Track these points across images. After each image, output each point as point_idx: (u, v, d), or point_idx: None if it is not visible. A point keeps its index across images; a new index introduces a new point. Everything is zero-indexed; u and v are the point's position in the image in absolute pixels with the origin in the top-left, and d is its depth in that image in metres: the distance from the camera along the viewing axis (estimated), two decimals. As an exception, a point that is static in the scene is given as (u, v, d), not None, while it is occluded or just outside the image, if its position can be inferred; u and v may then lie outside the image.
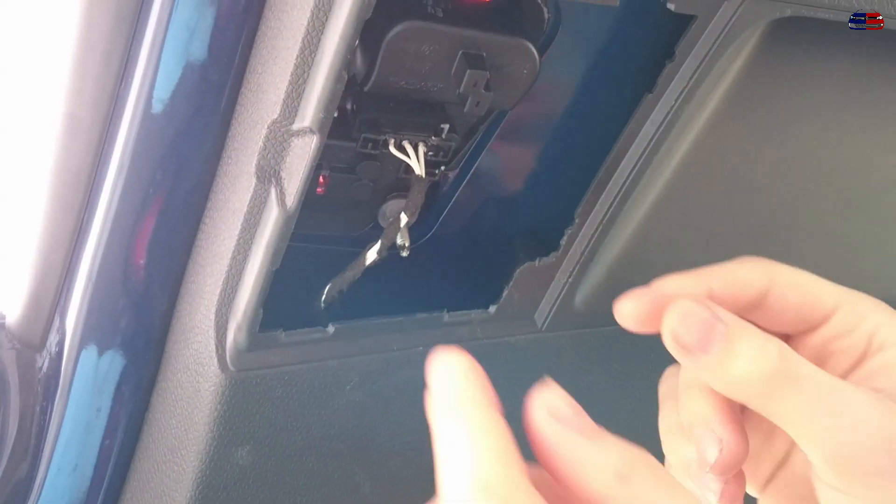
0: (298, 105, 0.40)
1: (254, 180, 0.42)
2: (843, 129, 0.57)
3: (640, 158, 0.49)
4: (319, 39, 0.39)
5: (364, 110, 0.44)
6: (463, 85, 0.44)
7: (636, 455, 0.28)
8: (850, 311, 0.38)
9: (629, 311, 0.36)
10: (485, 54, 0.43)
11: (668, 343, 0.36)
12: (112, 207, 0.44)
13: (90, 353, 0.49)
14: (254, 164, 0.42)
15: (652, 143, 0.48)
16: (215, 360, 0.46)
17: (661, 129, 0.48)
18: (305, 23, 0.38)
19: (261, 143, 0.42)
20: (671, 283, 0.37)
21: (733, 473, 0.36)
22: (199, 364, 0.47)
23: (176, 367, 0.49)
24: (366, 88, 0.43)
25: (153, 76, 0.41)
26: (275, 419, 0.49)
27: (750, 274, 0.38)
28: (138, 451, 0.54)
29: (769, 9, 0.45)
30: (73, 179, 0.45)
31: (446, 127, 0.46)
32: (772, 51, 0.50)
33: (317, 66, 0.39)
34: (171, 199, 0.45)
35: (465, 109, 0.45)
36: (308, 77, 0.40)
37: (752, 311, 0.38)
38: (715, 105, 0.50)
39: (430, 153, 0.46)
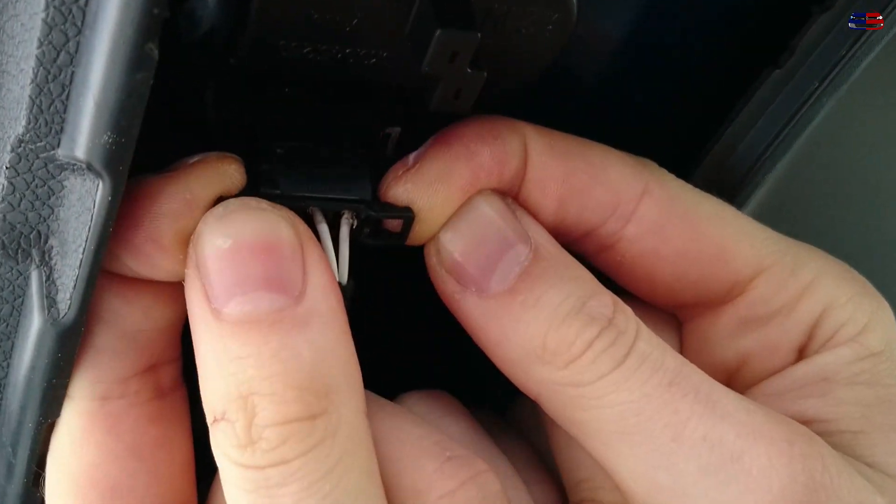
0: (64, 114, 0.18)
1: (-5, 252, 0.21)
2: None
3: (760, 156, 0.28)
4: (93, -31, 0.17)
5: (228, 106, 0.22)
6: (429, 57, 0.22)
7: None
8: (781, 277, 0.25)
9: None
10: None
11: (429, 259, 0.24)
12: None
13: None
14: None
15: (781, 138, 0.27)
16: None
17: (796, 119, 0.27)
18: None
19: (2, 180, 0.20)
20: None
21: None
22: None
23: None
24: (232, 60, 0.22)
25: None
26: None
27: (612, 171, 0.24)
28: None
29: None
30: None
31: (394, 133, 0.25)
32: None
33: (90, 30, 0.17)
34: None
35: (434, 104, 0.23)
36: (79, 53, 0.18)
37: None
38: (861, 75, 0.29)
39: (367, 230, 0.24)
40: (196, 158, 0.22)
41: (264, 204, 0.21)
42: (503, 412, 0.32)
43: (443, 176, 0.23)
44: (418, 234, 0.24)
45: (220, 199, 0.22)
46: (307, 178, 0.23)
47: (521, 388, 0.24)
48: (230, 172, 0.22)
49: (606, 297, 0.23)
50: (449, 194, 0.24)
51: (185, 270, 0.21)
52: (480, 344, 0.24)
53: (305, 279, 0.20)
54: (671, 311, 0.27)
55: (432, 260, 0.24)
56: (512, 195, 0.24)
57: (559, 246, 0.24)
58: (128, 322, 0.22)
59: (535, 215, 0.24)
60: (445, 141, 0.24)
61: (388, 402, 0.24)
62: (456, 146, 0.24)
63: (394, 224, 0.24)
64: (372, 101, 0.24)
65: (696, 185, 0.29)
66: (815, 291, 0.25)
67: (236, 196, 0.22)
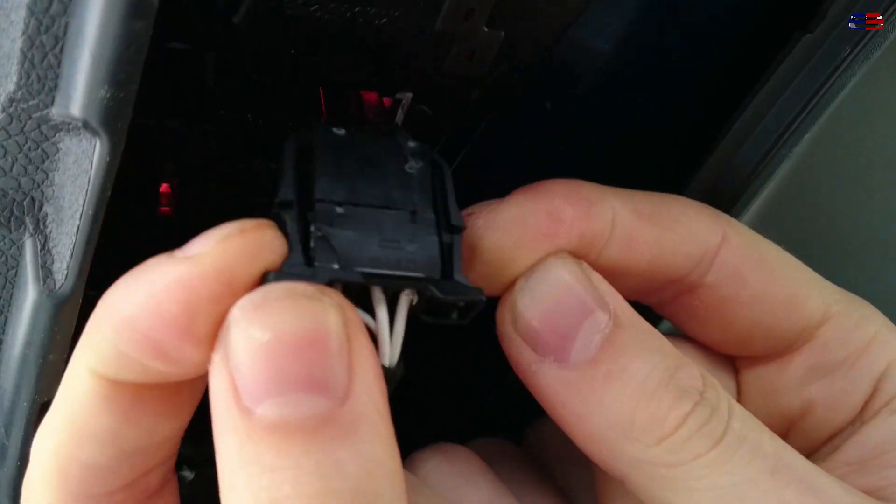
0: (58, 68, 0.17)
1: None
2: None
3: (791, 124, 0.27)
4: None
5: (230, 78, 0.21)
6: (443, 14, 0.21)
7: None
8: (847, 326, 0.24)
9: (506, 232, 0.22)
10: None
11: (504, 326, 0.22)
12: None
13: None
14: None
15: (811, 107, 0.26)
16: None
17: (826, 87, 0.26)
18: None
19: (-6, 143, 0.19)
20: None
21: None
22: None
23: None
24: (235, 19, 0.20)
25: None
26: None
27: (694, 225, 0.24)
28: None
29: None
30: None
31: (406, 99, 0.23)
32: None
33: (85, -25, 0.16)
34: None
35: (447, 65, 0.22)
36: (73, 2, 0.17)
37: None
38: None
39: (432, 312, 0.21)
40: (229, 230, 0.18)
41: (311, 290, 0.18)
42: (517, 438, 0.31)
43: (519, 220, 0.22)
44: (482, 275, 0.22)
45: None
46: (368, 246, 0.20)
47: (605, 467, 0.22)
48: (269, 242, 0.18)
49: (694, 370, 0.22)
50: (521, 238, 0.22)
51: (212, 355, 0.18)
52: (558, 419, 0.22)
53: (352, 377, 0.17)
54: (732, 358, 0.26)
55: (508, 328, 0.22)
56: (590, 259, 0.23)
57: (637, 314, 0.22)
58: (128, 443, 0.19)
59: (624, 277, 0.23)
60: (530, 192, 0.23)
61: (413, 481, 0.22)
62: (541, 199, 0.22)
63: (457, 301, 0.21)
64: (382, 67, 0.23)
65: (718, 160, 0.28)
66: (878, 345, 0.24)
67: (283, 266, 0.18)
